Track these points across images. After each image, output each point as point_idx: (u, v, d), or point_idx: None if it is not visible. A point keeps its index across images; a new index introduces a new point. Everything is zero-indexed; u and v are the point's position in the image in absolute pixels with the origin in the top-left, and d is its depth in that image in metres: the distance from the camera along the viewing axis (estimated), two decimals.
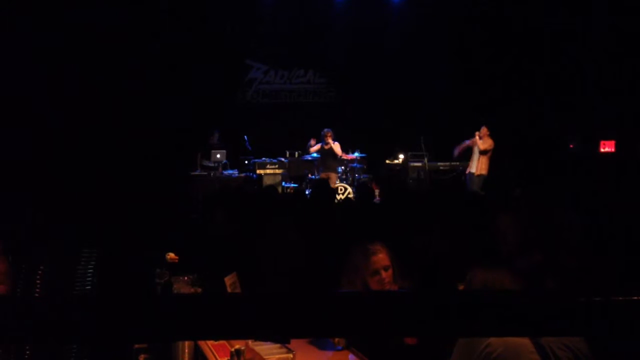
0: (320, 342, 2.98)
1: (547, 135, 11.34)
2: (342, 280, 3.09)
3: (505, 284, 2.21)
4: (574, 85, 11.12)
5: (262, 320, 0.85)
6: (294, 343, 2.85)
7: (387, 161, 11.95)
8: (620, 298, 0.84)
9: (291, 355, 2.77)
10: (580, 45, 11.18)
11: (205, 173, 11.03)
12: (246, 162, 11.50)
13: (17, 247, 2.82)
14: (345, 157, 11.40)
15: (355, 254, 3.05)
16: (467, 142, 10.41)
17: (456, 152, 10.60)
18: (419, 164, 11.36)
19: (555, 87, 11.30)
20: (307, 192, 10.30)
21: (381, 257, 3.02)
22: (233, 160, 11.53)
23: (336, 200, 8.51)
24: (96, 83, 9.56)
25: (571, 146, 11.54)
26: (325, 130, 10.75)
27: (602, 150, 11.32)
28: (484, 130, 10.39)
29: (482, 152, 10.28)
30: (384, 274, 3.00)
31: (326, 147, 10.74)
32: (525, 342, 2.11)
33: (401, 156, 11.89)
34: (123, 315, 0.86)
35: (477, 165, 10.33)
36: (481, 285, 2.25)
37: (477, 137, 10.32)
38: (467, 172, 10.57)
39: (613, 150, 11.21)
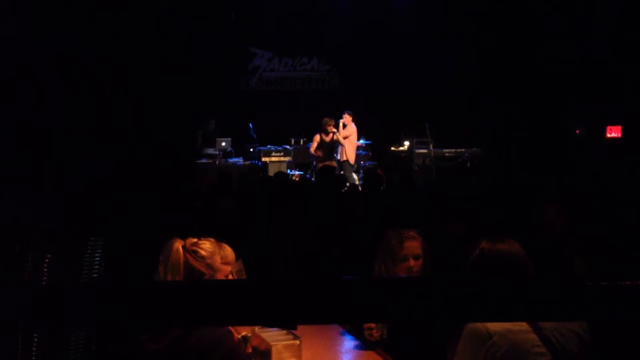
0: (327, 328, 2.99)
1: (553, 121, 11.27)
2: (374, 263, 3.08)
3: (520, 255, 2.23)
4: (580, 70, 11.02)
5: (268, 307, 0.86)
6: (301, 329, 2.86)
7: (393, 148, 11.89)
8: (628, 282, 0.84)
9: (298, 342, 2.78)
10: (587, 30, 11.09)
11: (210, 161, 11.04)
12: (251, 149, 11.51)
13: (24, 236, 2.84)
14: None
15: (390, 238, 3.03)
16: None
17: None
18: (425, 151, 11.30)
19: (561, 72, 11.20)
20: (312, 179, 10.30)
21: (414, 245, 2.98)
22: (238, 148, 11.54)
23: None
24: (97, 71, 9.51)
25: (577, 132, 11.47)
26: (327, 118, 10.26)
27: (608, 135, 11.24)
28: (347, 117, 10.38)
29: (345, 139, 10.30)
30: (412, 262, 2.96)
31: (327, 138, 10.20)
32: (529, 336, 2.08)
33: (406, 143, 11.82)
34: (130, 303, 0.87)
35: (341, 153, 10.36)
36: (494, 257, 2.25)
37: (335, 131, 10.26)
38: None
39: (620, 135, 11.13)
